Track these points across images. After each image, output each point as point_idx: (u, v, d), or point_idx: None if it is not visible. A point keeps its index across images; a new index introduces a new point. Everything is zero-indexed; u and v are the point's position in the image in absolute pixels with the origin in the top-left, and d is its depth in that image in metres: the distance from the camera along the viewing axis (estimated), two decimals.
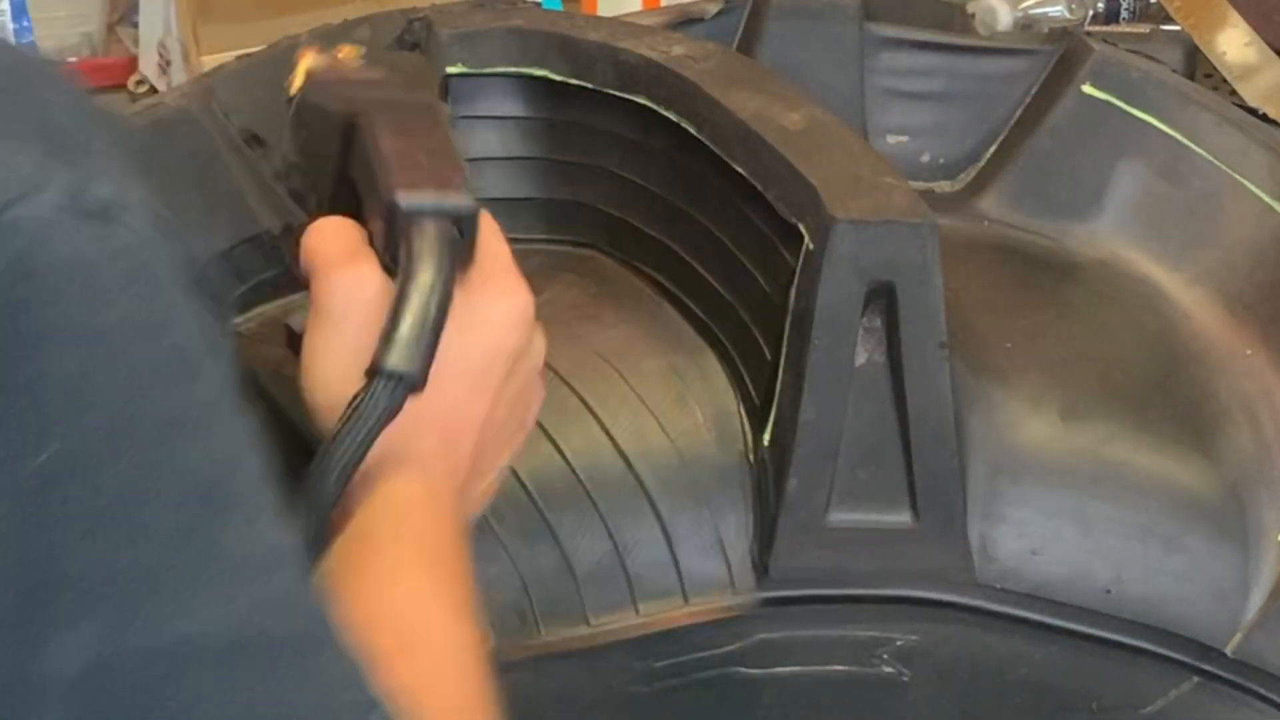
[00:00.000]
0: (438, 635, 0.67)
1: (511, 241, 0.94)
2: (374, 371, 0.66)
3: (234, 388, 0.55)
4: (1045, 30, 1.31)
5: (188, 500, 0.53)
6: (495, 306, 0.73)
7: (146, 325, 0.52)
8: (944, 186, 1.00)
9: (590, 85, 0.91)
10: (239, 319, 0.87)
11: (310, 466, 0.68)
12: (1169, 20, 1.50)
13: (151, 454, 0.52)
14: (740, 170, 0.85)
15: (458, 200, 0.70)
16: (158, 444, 0.52)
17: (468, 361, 0.72)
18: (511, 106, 0.94)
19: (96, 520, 0.51)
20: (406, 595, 0.67)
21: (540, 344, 0.76)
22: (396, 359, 0.66)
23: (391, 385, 0.66)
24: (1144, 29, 1.41)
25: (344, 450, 0.67)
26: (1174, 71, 1.02)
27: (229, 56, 1.02)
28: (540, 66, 0.93)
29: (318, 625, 0.56)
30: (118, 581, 0.51)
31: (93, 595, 0.51)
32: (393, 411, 0.67)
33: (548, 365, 0.84)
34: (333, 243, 0.72)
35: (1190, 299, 0.94)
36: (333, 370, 0.70)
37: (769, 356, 0.82)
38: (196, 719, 0.53)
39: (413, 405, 0.68)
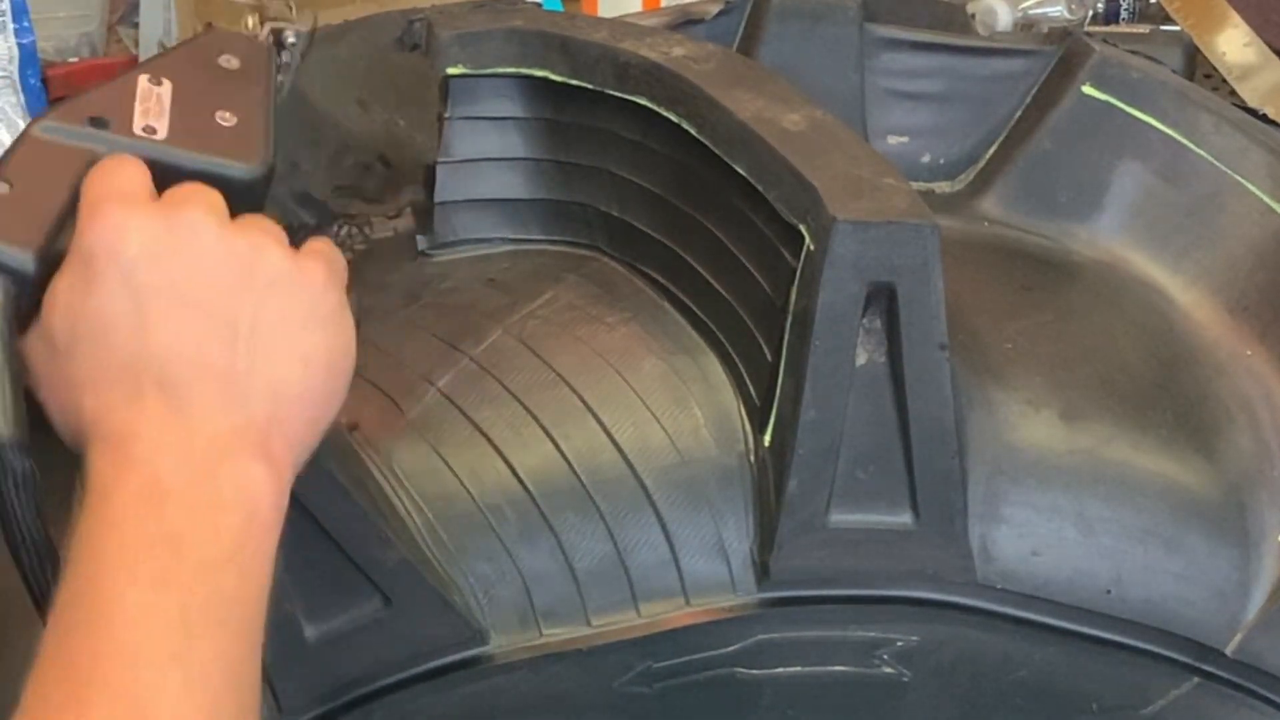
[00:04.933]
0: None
1: (511, 242, 0.95)
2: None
3: None
4: (1045, 30, 1.31)
5: None
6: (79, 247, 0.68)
7: None
8: (944, 187, 1.00)
9: (590, 86, 0.92)
10: None
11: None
12: (1169, 20, 1.51)
13: None
14: (741, 171, 0.85)
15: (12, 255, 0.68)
16: None
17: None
18: (511, 107, 0.94)
19: None
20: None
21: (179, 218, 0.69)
22: None
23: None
24: (1144, 29, 1.41)
25: (18, 531, 0.67)
26: (1174, 72, 1.02)
27: None
28: (540, 67, 0.93)
29: None
30: None
31: None
32: (20, 476, 0.66)
33: (548, 365, 0.85)
34: None
35: (1190, 299, 0.94)
36: None
37: (769, 357, 0.82)
38: None
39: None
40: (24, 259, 0.68)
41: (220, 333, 0.68)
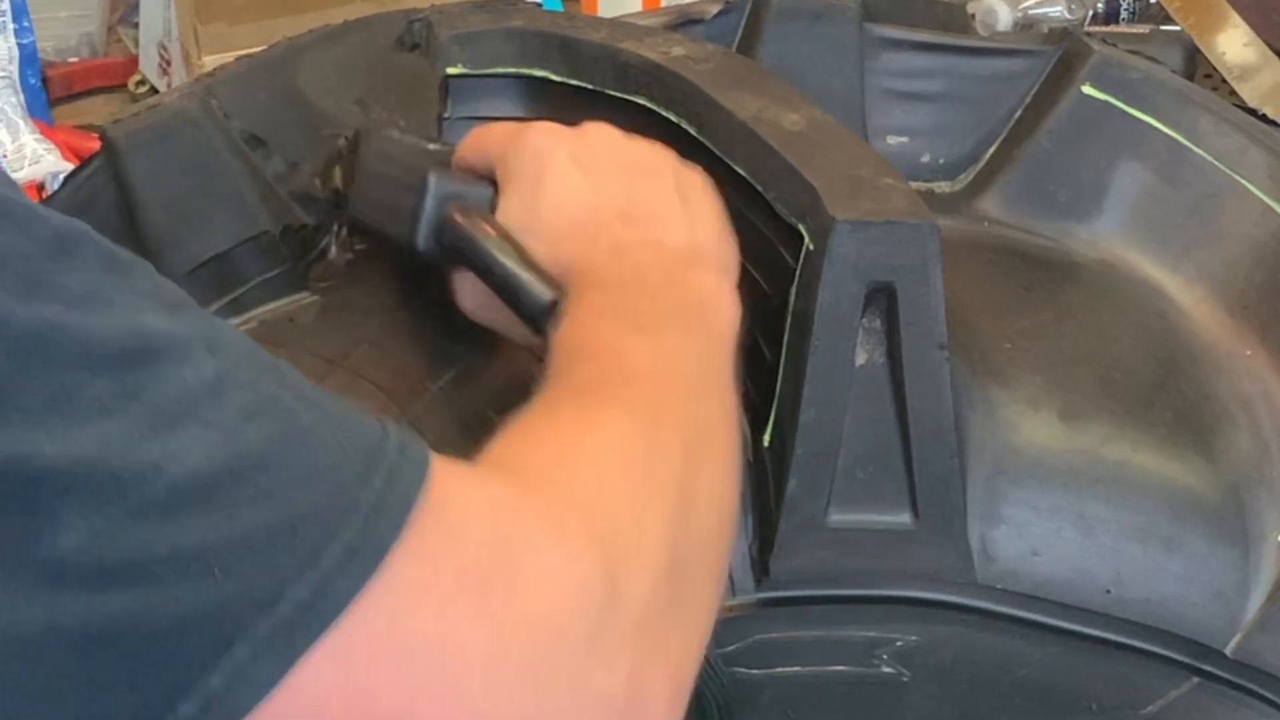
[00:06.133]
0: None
1: None
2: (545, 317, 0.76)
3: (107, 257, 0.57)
4: (1045, 30, 1.31)
5: (115, 368, 0.54)
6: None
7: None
8: (944, 187, 1.00)
9: (590, 86, 0.92)
10: (239, 319, 0.87)
11: None
12: (1169, 20, 1.50)
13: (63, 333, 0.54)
14: (740, 171, 0.85)
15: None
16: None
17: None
18: (511, 107, 0.94)
19: (43, 415, 0.52)
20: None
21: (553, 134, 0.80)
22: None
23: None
24: (1144, 29, 1.41)
25: None
26: (1174, 72, 1.02)
27: (229, 57, 1.02)
28: (540, 67, 0.93)
29: (293, 415, 0.57)
30: (87, 463, 0.52)
31: (70, 480, 0.52)
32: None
33: None
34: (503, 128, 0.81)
35: (1190, 299, 0.94)
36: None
37: (769, 357, 0.82)
38: (206, 550, 0.54)
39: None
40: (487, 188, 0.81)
41: (657, 183, 0.79)
